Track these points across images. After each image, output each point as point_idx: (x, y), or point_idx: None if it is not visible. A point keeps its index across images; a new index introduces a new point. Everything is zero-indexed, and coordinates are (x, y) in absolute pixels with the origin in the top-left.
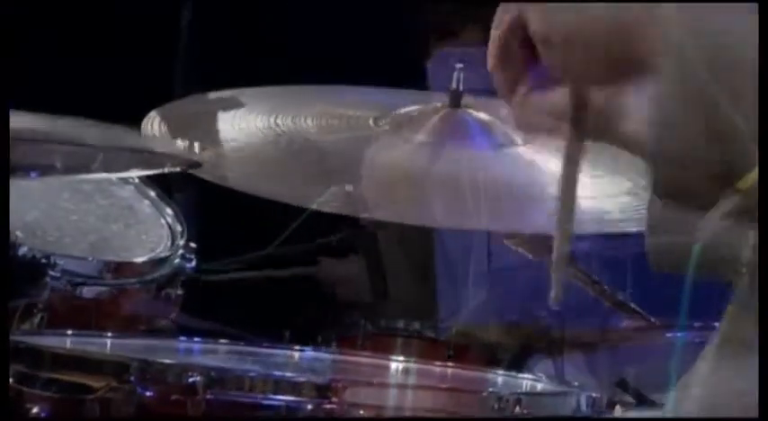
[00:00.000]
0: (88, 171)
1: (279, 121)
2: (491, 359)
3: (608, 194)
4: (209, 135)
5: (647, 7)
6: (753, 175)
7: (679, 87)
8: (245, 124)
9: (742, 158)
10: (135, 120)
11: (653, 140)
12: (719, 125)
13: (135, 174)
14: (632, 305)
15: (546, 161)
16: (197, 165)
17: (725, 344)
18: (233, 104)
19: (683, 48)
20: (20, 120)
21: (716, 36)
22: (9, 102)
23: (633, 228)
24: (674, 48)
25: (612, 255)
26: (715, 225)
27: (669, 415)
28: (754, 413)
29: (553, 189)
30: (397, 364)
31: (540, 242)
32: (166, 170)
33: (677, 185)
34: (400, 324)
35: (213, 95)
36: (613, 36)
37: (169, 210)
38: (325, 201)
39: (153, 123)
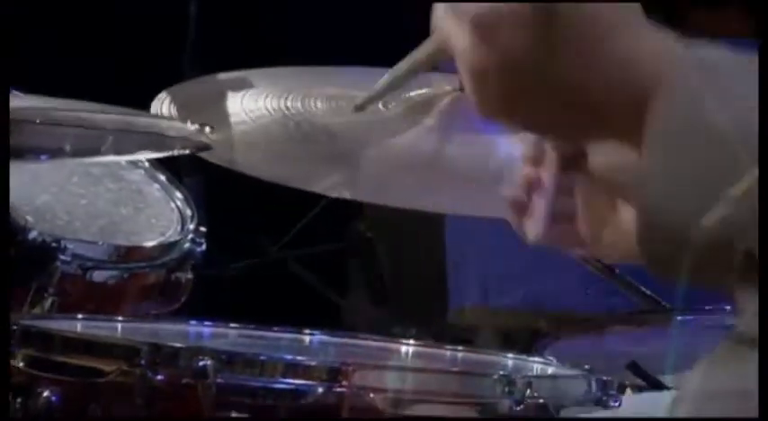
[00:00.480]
0: (98, 154)
1: (288, 103)
2: (501, 342)
3: None
4: (219, 116)
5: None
6: (745, 183)
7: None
8: (255, 105)
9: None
10: (144, 105)
11: (642, 226)
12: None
13: (145, 156)
14: (642, 288)
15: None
16: (207, 147)
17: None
18: (243, 85)
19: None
20: (28, 103)
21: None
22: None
23: None
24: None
25: None
26: (709, 231)
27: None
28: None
29: None
30: (407, 348)
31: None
32: (176, 153)
33: (668, 266)
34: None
35: (223, 76)
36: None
37: (179, 194)
38: (333, 185)
39: (163, 104)
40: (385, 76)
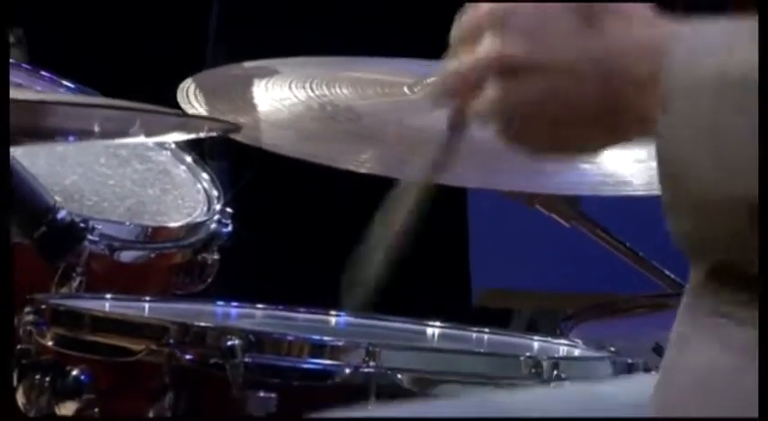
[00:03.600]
0: (126, 135)
1: (314, 89)
2: (526, 324)
3: (636, 160)
4: (245, 100)
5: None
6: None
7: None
8: (281, 91)
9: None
10: (170, 91)
11: (665, 187)
12: (724, 161)
13: (173, 137)
14: (666, 271)
15: None
16: (235, 129)
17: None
18: (268, 72)
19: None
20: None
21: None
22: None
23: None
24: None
25: (646, 219)
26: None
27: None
28: None
29: None
30: (433, 329)
31: (572, 206)
32: (204, 134)
33: (700, 236)
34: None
35: (249, 64)
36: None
37: (205, 175)
38: (361, 162)
39: (189, 90)
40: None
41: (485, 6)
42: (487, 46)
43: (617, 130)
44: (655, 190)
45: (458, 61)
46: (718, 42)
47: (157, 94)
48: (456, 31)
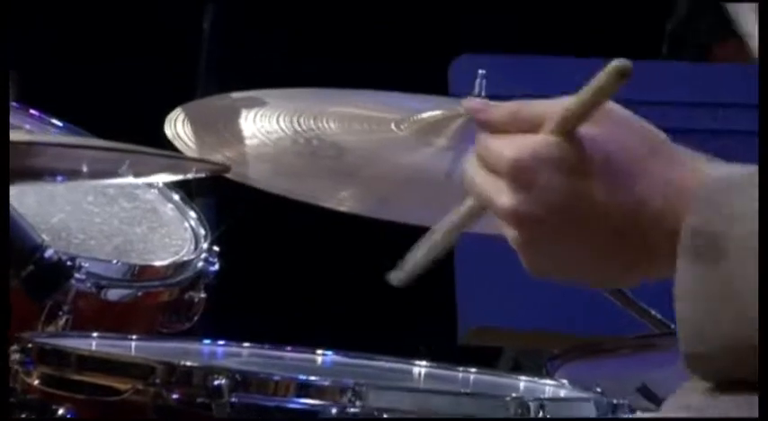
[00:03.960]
0: (115, 176)
1: (301, 122)
2: (512, 364)
3: None
4: (232, 132)
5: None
6: None
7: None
8: (268, 123)
9: None
10: (158, 122)
11: (682, 340)
12: (746, 313)
13: (161, 178)
14: (653, 312)
15: None
16: (224, 170)
17: None
18: (256, 104)
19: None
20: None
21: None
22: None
23: None
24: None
25: None
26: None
27: None
28: None
29: None
30: (419, 369)
31: None
32: (192, 175)
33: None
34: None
35: (237, 95)
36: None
37: (192, 214)
38: (342, 199)
39: (177, 121)
40: (427, 239)
41: (506, 155)
42: (507, 200)
43: (629, 269)
44: None
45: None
46: (741, 205)
47: (147, 126)
48: (480, 155)
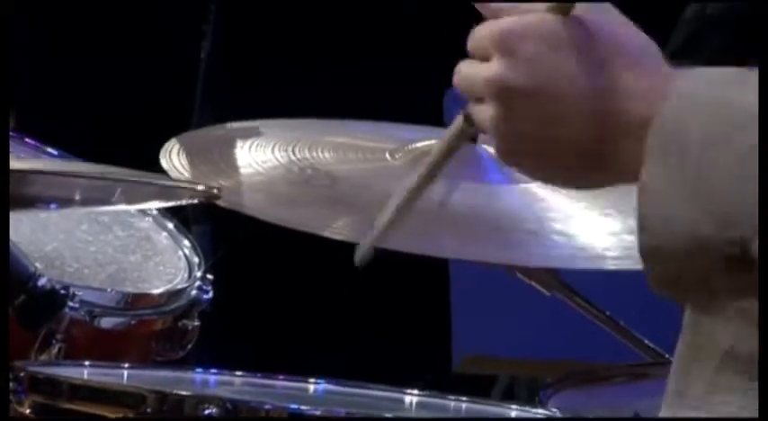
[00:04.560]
0: (107, 203)
1: (297, 152)
2: (505, 393)
3: (611, 232)
4: (227, 162)
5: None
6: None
7: (672, 173)
8: (263, 154)
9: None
10: (153, 150)
11: (642, 234)
12: (711, 206)
13: (154, 205)
14: (645, 340)
15: (557, 197)
16: (216, 197)
17: None
18: (252, 134)
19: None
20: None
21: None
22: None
23: (633, 267)
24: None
25: (627, 289)
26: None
27: None
28: None
29: (561, 225)
30: (411, 398)
31: (552, 276)
32: (185, 202)
33: (672, 277)
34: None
35: (232, 125)
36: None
37: (186, 242)
38: (338, 228)
39: (172, 151)
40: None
41: (497, 26)
42: (493, 67)
43: (606, 170)
44: (628, 264)
45: (465, 72)
46: (714, 93)
47: (143, 155)
48: (472, 38)
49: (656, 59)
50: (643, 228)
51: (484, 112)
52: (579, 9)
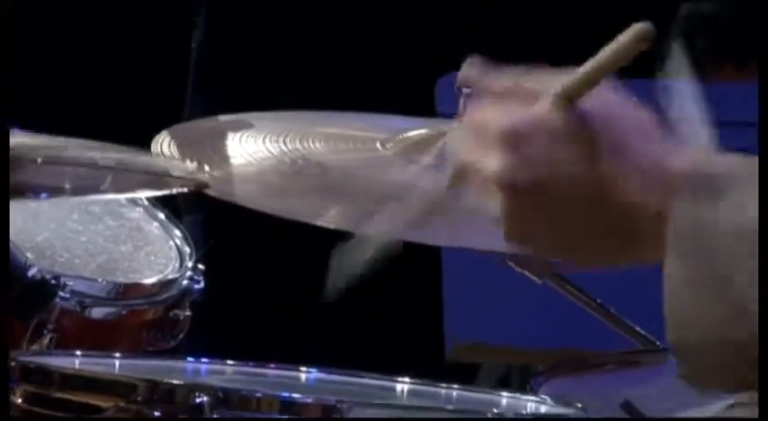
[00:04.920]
0: (97, 192)
1: (287, 143)
2: (497, 380)
3: None
4: (218, 154)
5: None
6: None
7: (693, 274)
8: (254, 145)
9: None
10: (144, 143)
11: (670, 329)
12: (737, 305)
13: (144, 194)
14: (637, 328)
15: None
16: (205, 186)
17: None
18: (242, 126)
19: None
20: (28, 141)
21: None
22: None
23: None
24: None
25: (618, 277)
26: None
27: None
28: None
29: None
30: (402, 386)
31: (543, 264)
32: (175, 191)
33: (699, 370)
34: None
35: (223, 118)
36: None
37: (178, 232)
38: (329, 218)
39: (163, 143)
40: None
41: (503, 121)
42: (495, 163)
43: (619, 253)
44: None
45: (465, 151)
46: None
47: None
48: (473, 116)
49: (660, 144)
50: (671, 323)
51: (491, 200)
52: (583, 98)
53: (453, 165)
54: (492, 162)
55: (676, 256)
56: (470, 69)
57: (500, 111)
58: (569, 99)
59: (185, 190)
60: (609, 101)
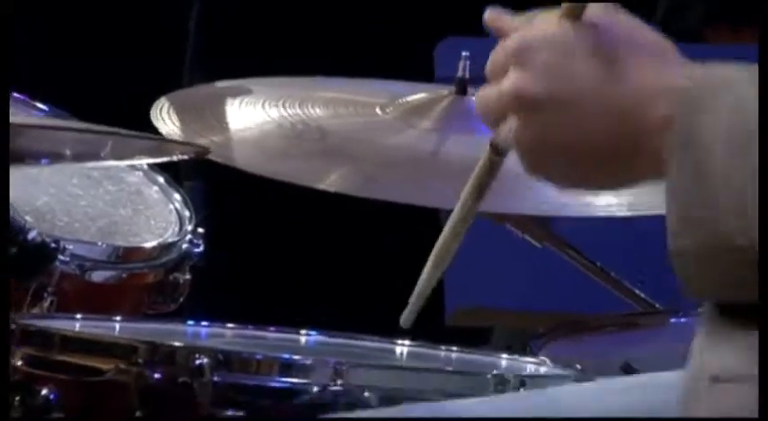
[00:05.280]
0: (97, 158)
1: (287, 108)
2: (497, 343)
3: None
4: (218, 119)
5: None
6: None
7: (694, 178)
8: (254, 111)
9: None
10: (143, 111)
11: (671, 238)
12: (737, 207)
13: (144, 161)
14: (636, 290)
15: None
16: (206, 151)
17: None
18: (242, 92)
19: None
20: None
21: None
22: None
23: (622, 214)
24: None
25: (618, 239)
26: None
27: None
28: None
29: None
30: (402, 348)
31: (544, 227)
32: (175, 158)
33: (698, 277)
34: None
35: (222, 84)
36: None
37: (177, 196)
38: (329, 182)
39: (162, 109)
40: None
41: (511, 40)
42: (508, 81)
43: (630, 170)
44: (617, 211)
45: (482, 94)
46: (733, 92)
47: (133, 114)
48: (489, 62)
49: (670, 57)
50: (671, 230)
51: (504, 128)
52: (590, 13)
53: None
54: (505, 83)
55: (676, 164)
56: (494, 13)
57: (510, 37)
58: (576, 14)
59: (185, 156)
60: (616, 17)
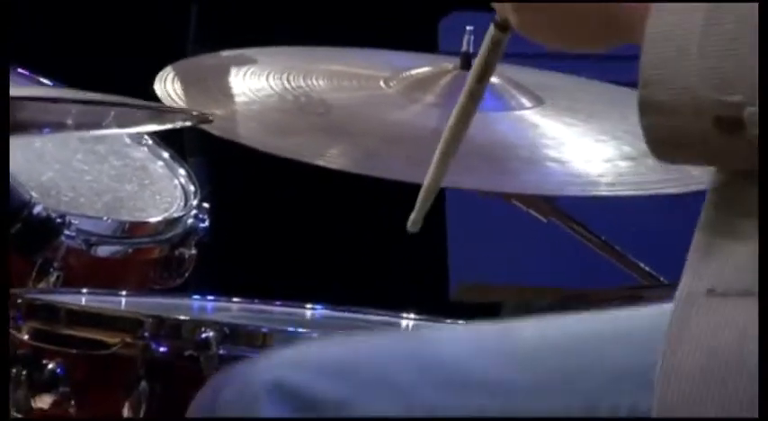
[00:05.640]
0: (100, 128)
1: (291, 80)
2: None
3: (605, 158)
4: (222, 91)
5: None
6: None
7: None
8: (258, 82)
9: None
10: (148, 80)
11: (642, 86)
12: (723, 67)
13: (146, 129)
14: (641, 264)
15: (551, 124)
16: (208, 120)
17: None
18: (246, 62)
19: None
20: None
21: None
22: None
23: (626, 193)
24: None
25: (622, 214)
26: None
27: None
28: None
29: (555, 152)
30: (407, 321)
31: (548, 203)
32: (178, 125)
33: (671, 134)
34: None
35: (226, 53)
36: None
37: (182, 171)
38: (332, 157)
39: (167, 79)
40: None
41: None
42: None
43: (611, 28)
44: (622, 190)
45: None
46: None
47: (138, 84)
48: None
49: None
50: (643, 80)
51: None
52: None
53: None
54: None
55: (659, 11)
56: None
57: None
58: None
59: (188, 124)
60: None
